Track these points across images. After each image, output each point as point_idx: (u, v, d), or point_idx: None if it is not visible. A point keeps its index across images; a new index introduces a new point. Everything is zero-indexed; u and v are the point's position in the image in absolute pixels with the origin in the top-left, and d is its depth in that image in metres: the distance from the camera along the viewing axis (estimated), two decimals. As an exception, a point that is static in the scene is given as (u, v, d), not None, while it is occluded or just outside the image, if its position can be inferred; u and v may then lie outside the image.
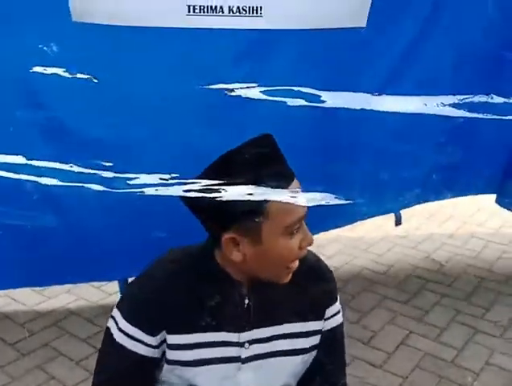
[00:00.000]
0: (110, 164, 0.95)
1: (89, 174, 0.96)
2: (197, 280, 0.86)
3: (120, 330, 0.85)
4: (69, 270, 1.95)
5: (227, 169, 0.80)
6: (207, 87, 1.16)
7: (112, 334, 0.86)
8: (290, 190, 0.79)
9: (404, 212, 2.67)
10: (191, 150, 1.58)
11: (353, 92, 1.09)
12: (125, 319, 0.85)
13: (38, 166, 0.96)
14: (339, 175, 1.82)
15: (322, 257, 1.00)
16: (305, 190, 0.82)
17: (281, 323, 0.90)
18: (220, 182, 0.80)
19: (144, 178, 0.92)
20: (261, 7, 1.42)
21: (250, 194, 0.78)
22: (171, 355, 0.87)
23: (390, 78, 1.78)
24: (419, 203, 2.36)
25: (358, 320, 2.25)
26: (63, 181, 0.96)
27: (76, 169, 0.97)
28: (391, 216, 2.67)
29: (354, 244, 2.89)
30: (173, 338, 0.86)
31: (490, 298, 2.43)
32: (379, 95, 1.17)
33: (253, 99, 1.07)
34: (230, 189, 0.79)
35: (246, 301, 0.88)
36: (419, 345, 2.10)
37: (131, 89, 1.53)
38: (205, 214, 0.82)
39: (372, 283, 2.54)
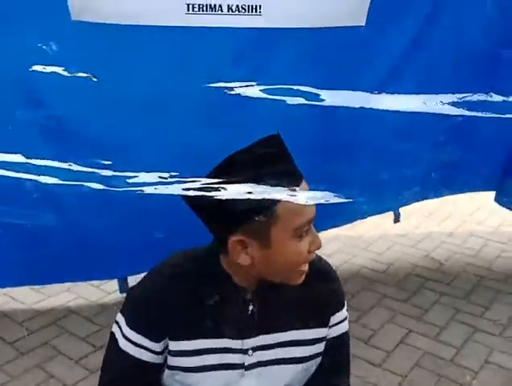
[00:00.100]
0: (109, 162, 0.94)
1: (89, 172, 0.96)
2: (201, 286, 0.84)
3: (124, 336, 0.85)
4: (68, 269, 1.95)
5: (231, 168, 0.78)
6: (206, 85, 1.16)
7: (116, 340, 0.86)
8: (289, 189, 0.77)
9: (403, 211, 2.68)
10: (190, 149, 1.58)
11: (353, 90, 1.09)
12: (129, 326, 0.85)
13: (37, 165, 0.96)
14: (339, 174, 1.82)
15: (321, 256, 0.99)
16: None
17: (285, 330, 0.88)
18: (220, 180, 0.79)
19: (143, 177, 0.92)
20: (260, 6, 1.42)
21: (250, 192, 0.77)
22: (173, 361, 0.86)
23: (389, 77, 1.78)
24: (418, 200, 2.36)
25: (358, 319, 2.25)
26: (62, 180, 0.96)
27: (75, 168, 0.97)
28: (390, 215, 2.68)
29: (353, 243, 2.89)
30: (175, 345, 0.85)
31: (489, 297, 2.43)
32: (378, 93, 1.17)
33: (253, 98, 1.07)
34: (230, 187, 0.78)
35: (250, 308, 0.86)
36: (419, 344, 2.10)
37: (130, 88, 1.53)
38: (211, 216, 0.80)
39: (371, 282, 2.55)
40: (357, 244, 2.90)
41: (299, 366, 0.90)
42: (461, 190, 2.43)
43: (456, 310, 2.34)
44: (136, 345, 0.84)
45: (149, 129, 1.61)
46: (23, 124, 1.52)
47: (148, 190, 0.90)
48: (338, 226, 2.27)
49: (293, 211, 0.77)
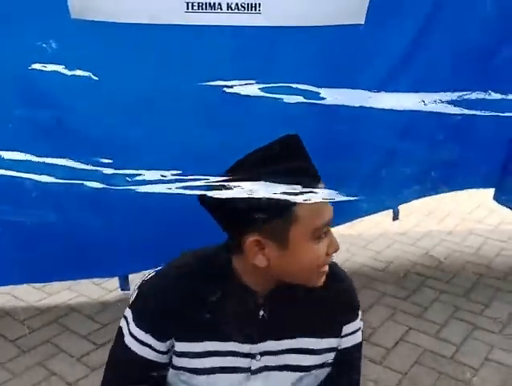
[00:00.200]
0: (110, 161, 0.95)
1: (89, 171, 0.97)
2: (210, 287, 0.82)
3: (130, 332, 0.84)
4: (69, 267, 1.96)
5: (247, 167, 0.77)
6: (205, 84, 1.16)
7: (123, 335, 0.85)
8: (291, 187, 0.75)
9: (403, 209, 2.68)
10: (190, 148, 1.58)
11: (352, 89, 1.09)
12: (135, 323, 0.84)
13: (37, 164, 0.96)
14: (338, 173, 1.82)
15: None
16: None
17: (296, 337, 0.86)
18: (221, 178, 0.78)
19: (145, 176, 0.93)
20: (259, 4, 1.42)
21: (251, 191, 0.77)
22: (178, 361, 0.85)
23: (389, 75, 1.78)
24: (418, 198, 2.37)
25: (357, 316, 2.25)
26: (62, 178, 0.96)
27: (75, 165, 0.97)
28: (390, 213, 2.68)
29: (353, 241, 2.90)
30: (181, 346, 0.84)
31: (489, 295, 2.44)
32: (378, 92, 1.18)
33: (252, 96, 1.07)
34: (231, 185, 0.78)
35: (261, 313, 0.84)
36: (419, 341, 2.11)
37: (130, 86, 1.53)
38: (226, 215, 0.78)
39: (371, 280, 2.55)
40: (356, 242, 2.90)
41: (306, 373, 0.88)
42: (460, 188, 2.44)
43: (456, 307, 2.34)
44: (141, 343, 0.83)
45: (149, 127, 1.61)
46: (23, 122, 1.53)
47: (149, 188, 0.91)
48: (338, 225, 2.27)
49: (312, 212, 0.75)
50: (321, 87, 1.06)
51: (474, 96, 1.19)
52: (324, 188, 0.78)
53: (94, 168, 0.97)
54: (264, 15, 1.43)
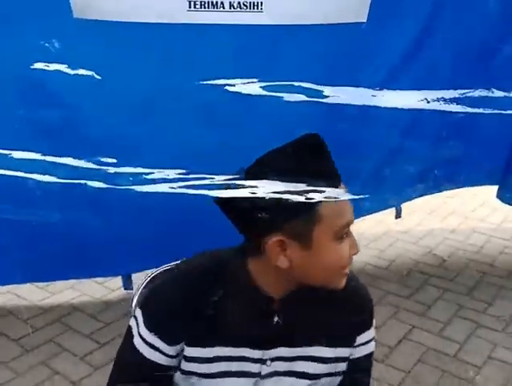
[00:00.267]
0: (114, 160, 0.95)
1: (92, 170, 0.96)
2: (225, 291, 0.80)
3: (139, 334, 0.82)
4: (72, 266, 1.96)
5: (266, 166, 0.75)
6: (208, 82, 1.16)
7: (132, 337, 0.83)
8: (294, 185, 0.74)
9: (406, 208, 2.67)
10: (195, 147, 1.58)
11: (355, 87, 1.08)
12: (146, 326, 0.82)
13: (40, 163, 0.96)
14: (342, 171, 1.82)
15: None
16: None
17: (308, 345, 0.85)
18: (227, 177, 0.78)
19: (148, 175, 0.92)
20: (261, 3, 1.42)
21: (254, 192, 0.75)
22: (188, 366, 0.83)
23: (391, 74, 1.78)
24: (421, 196, 2.37)
25: (360, 315, 2.25)
26: (65, 178, 0.96)
27: (78, 164, 0.97)
28: (392, 212, 2.68)
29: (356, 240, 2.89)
30: (192, 351, 0.81)
31: (492, 293, 2.44)
32: (380, 90, 1.17)
33: (254, 95, 1.07)
34: (237, 184, 0.76)
35: (275, 319, 0.82)
36: (422, 339, 2.10)
37: (132, 85, 1.53)
38: (246, 215, 0.75)
39: (374, 278, 2.55)
40: (359, 240, 2.85)
41: (316, 381, 0.87)
42: (463, 185, 2.44)
43: (459, 306, 2.34)
44: (150, 345, 0.81)
45: (151, 126, 1.61)
46: (26, 121, 1.53)
47: (152, 188, 0.90)
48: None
49: (335, 212, 0.74)
50: (324, 85, 1.05)
51: (477, 93, 1.18)
52: (346, 190, 0.77)
53: (97, 167, 0.96)
54: (266, 14, 1.43)
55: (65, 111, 1.55)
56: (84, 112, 1.57)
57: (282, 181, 0.73)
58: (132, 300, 1.03)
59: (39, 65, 1.19)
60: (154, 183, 0.91)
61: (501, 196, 2.49)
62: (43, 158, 0.94)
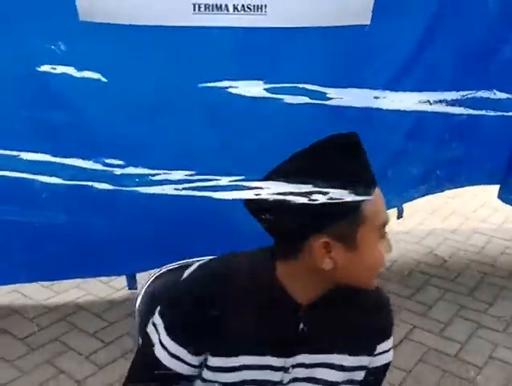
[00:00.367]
0: (120, 162, 0.96)
1: (99, 171, 0.98)
2: (252, 298, 0.78)
3: (161, 343, 0.78)
4: (77, 265, 1.97)
5: (293, 167, 0.74)
6: (212, 84, 1.17)
7: (152, 345, 0.79)
8: (299, 186, 0.73)
9: (407, 208, 2.68)
10: (200, 148, 1.60)
11: (358, 89, 1.10)
12: (168, 333, 0.78)
13: (47, 165, 0.97)
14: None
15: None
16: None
17: (330, 352, 0.83)
18: (234, 178, 0.79)
19: (154, 176, 0.94)
20: (265, 5, 1.43)
21: (259, 193, 0.75)
22: (209, 375, 0.81)
23: (395, 76, 1.78)
24: (423, 196, 2.38)
25: (362, 315, 2.26)
26: (71, 180, 0.97)
27: (85, 166, 0.98)
28: (394, 212, 2.68)
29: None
30: (216, 361, 0.79)
31: (493, 293, 2.44)
32: (383, 92, 1.18)
33: (258, 97, 1.08)
34: (243, 185, 0.77)
35: (301, 326, 0.80)
36: (423, 339, 2.11)
37: (139, 87, 1.54)
38: (290, 218, 0.73)
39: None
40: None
41: None
42: (465, 185, 2.44)
43: (460, 306, 2.35)
44: (172, 356, 0.78)
45: (156, 128, 1.62)
46: (33, 123, 1.54)
47: (157, 189, 0.92)
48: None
49: (376, 212, 0.74)
50: (326, 87, 1.06)
51: (479, 95, 1.20)
52: (381, 194, 0.76)
53: (104, 169, 0.98)
54: (270, 16, 1.44)
55: (71, 113, 1.55)
56: (90, 114, 1.58)
57: (270, 181, 0.73)
58: (136, 299, 1.03)
59: (45, 67, 1.21)
60: (160, 185, 0.92)
61: (502, 197, 2.49)
62: (49, 159, 0.96)
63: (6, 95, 1.50)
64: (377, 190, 0.75)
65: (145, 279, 1.06)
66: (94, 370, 1.90)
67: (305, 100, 1.09)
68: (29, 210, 1.63)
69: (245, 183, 0.79)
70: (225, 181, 0.80)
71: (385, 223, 0.77)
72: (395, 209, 2.68)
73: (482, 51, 1.87)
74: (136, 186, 0.94)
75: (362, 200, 0.73)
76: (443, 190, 2.40)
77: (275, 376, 0.82)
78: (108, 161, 0.99)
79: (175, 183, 0.91)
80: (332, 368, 0.84)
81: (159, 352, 0.78)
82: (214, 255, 0.96)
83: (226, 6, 1.42)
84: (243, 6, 1.43)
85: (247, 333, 0.78)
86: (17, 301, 2.30)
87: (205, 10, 1.42)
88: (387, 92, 1.20)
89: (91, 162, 0.98)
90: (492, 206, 3.25)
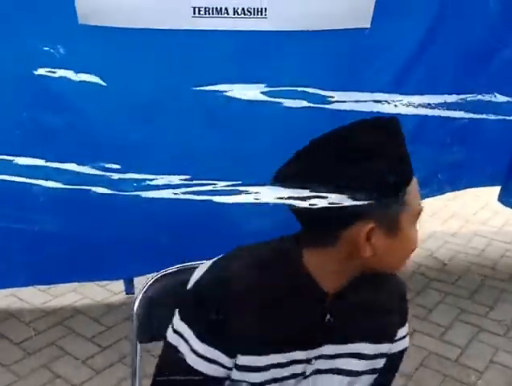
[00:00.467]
0: (118, 166, 0.95)
1: (97, 176, 0.97)
2: (279, 291, 0.75)
3: (194, 351, 0.74)
4: (75, 269, 1.96)
5: (320, 154, 0.71)
6: (210, 88, 1.16)
7: (183, 356, 0.75)
8: (298, 191, 0.72)
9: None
10: (199, 152, 1.59)
11: (359, 92, 1.09)
12: (201, 339, 0.74)
13: (45, 169, 0.96)
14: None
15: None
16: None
17: (354, 342, 0.82)
18: (230, 183, 0.78)
19: (152, 181, 0.93)
20: (265, 9, 1.42)
21: (258, 198, 0.75)
22: (238, 375, 0.78)
23: (395, 79, 1.77)
24: (423, 199, 2.36)
25: (362, 319, 2.25)
26: (69, 184, 0.96)
27: (82, 170, 0.97)
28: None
29: (358, 243, 2.89)
30: (246, 360, 0.76)
31: (494, 297, 2.44)
32: (383, 95, 1.17)
33: (255, 100, 1.07)
34: (240, 190, 0.76)
35: (327, 316, 0.78)
36: (423, 344, 2.10)
37: (137, 91, 1.53)
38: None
39: (375, 282, 2.55)
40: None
41: (356, 379, 0.84)
42: (466, 187, 2.44)
43: (461, 309, 2.34)
44: (209, 361, 0.75)
45: (154, 132, 1.61)
46: (31, 127, 1.53)
47: (155, 193, 0.91)
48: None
49: (414, 197, 0.73)
50: (326, 90, 1.05)
51: (480, 98, 1.19)
52: (417, 186, 0.76)
53: (102, 173, 0.97)
54: (270, 20, 1.44)
55: (70, 116, 1.55)
56: (88, 118, 1.57)
57: (267, 186, 0.71)
58: (134, 303, 1.02)
59: (43, 71, 1.20)
60: (158, 189, 0.91)
61: (502, 200, 2.49)
62: (47, 164, 0.95)
63: (4, 98, 1.49)
64: (414, 178, 0.74)
65: (143, 283, 1.05)
66: (91, 374, 1.89)
67: (304, 103, 1.08)
68: (26, 214, 1.61)
69: (242, 188, 0.78)
70: (223, 185, 0.79)
71: (421, 211, 0.76)
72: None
73: (483, 53, 1.86)
74: (134, 191, 0.93)
75: (406, 185, 0.72)
76: (443, 193, 2.39)
77: (299, 369, 0.79)
78: (106, 165, 0.98)
79: (174, 188, 0.90)
80: (355, 358, 0.83)
81: (193, 360, 0.75)
82: (213, 258, 0.95)
83: (226, 9, 1.41)
84: (243, 9, 1.42)
85: (275, 327, 0.75)
86: (13, 305, 2.29)
87: (205, 13, 1.41)
88: (388, 95, 1.19)
89: (89, 166, 0.97)
90: (492, 208, 3.25)
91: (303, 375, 0.81)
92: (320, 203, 0.72)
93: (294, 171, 0.73)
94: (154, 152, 1.61)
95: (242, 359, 0.76)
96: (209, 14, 1.41)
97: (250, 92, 1.10)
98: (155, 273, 1.06)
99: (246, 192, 0.76)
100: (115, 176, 0.95)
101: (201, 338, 0.74)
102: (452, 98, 1.11)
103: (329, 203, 0.73)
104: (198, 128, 1.63)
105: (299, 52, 1.61)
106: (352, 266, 0.76)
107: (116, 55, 1.49)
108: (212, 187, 0.84)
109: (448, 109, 1.11)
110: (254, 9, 1.42)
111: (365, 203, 0.69)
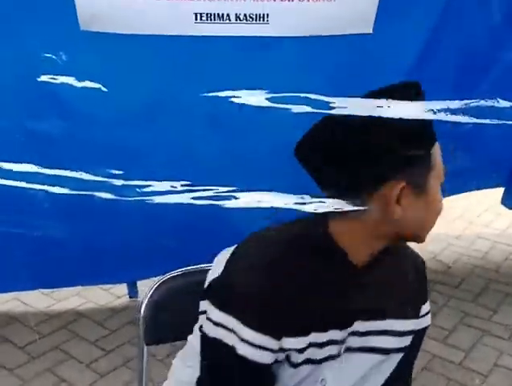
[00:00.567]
0: (120, 172, 0.95)
1: (99, 182, 0.97)
2: (314, 266, 0.74)
3: (244, 341, 0.71)
4: (79, 273, 1.97)
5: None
6: (214, 94, 1.16)
7: (231, 347, 0.72)
8: (297, 196, 0.72)
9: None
10: (201, 158, 1.59)
11: (360, 98, 1.09)
12: (249, 326, 0.71)
13: (47, 175, 0.97)
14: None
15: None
16: (315, 195, 0.80)
17: (383, 318, 0.81)
18: (230, 188, 0.79)
19: (154, 187, 0.93)
20: (267, 14, 1.43)
21: (259, 201, 0.76)
22: (282, 357, 0.76)
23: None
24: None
25: (365, 322, 2.25)
26: (73, 189, 0.97)
27: (85, 177, 0.98)
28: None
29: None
30: (289, 341, 0.74)
31: (498, 300, 2.43)
32: (386, 100, 1.17)
33: (259, 106, 1.07)
34: (240, 195, 0.78)
35: (358, 292, 0.77)
36: (427, 347, 2.09)
37: (138, 97, 1.54)
38: (365, 163, 0.69)
39: (379, 285, 2.54)
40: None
41: (386, 357, 0.83)
42: (469, 190, 2.44)
43: (465, 313, 2.33)
44: (259, 347, 0.72)
45: (157, 138, 1.62)
46: (33, 134, 1.54)
47: (158, 199, 0.91)
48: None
49: (440, 157, 0.74)
50: (328, 96, 1.05)
51: (483, 104, 1.18)
52: (440, 151, 0.76)
53: (104, 179, 0.97)
54: (272, 26, 1.44)
55: (72, 123, 1.56)
56: (91, 124, 1.57)
57: (271, 193, 0.71)
58: (140, 307, 1.03)
59: (46, 78, 1.20)
60: (161, 195, 0.92)
61: (506, 203, 2.48)
62: (47, 171, 0.95)
63: (7, 104, 1.49)
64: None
65: (147, 286, 1.05)
66: (95, 378, 1.90)
67: (308, 109, 1.08)
68: (30, 219, 1.62)
69: (243, 193, 0.78)
70: (223, 191, 0.79)
71: (445, 173, 0.77)
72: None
73: (485, 59, 1.86)
74: (139, 197, 0.94)
75: (433, 145, 0.73)
76: (444, 197, 2.39)
77: (334, 350, 0.78)
78: (108, 171, 0.99)
79: (179, 193, 0.90)
80: (385, 335, 0.82)
81: (243, 349, 0.71)
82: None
83: (228, 15, 1.42)
84: (245, 15, 1.42)
85: (313, 304, 0.74)
86: (17, 308, 2.30)
87: (207, 19, 1.42)
88: (390, 100, 1.19)
89: (91, 172, 0.97)
90: (496, 211, 3.24)
91: (338, 355, 0.79)
92: (320, 209, 0.71)
93: (321, 137, 0.73)
94: (157, 158, 1.61)
95: (287, 341, 0.73)
96: (211, 19, 1.42)
97: (255, 98, 1.10)
98: (161, 276, 1.07)
99: (246, 198, 0.77)
100: (118, 182, 0.95)
101: (248, 324, 0.71)
102: (454, 104, 1.11)
103: (328, 208, 0.72)
104: (202, 134, 1.63)
105: (301, 58, 1.62)
106: (381, 234, 0.74)
107: (118, 61, 1.49)
108: (214, 193, 0.84)
109: (451, 114, 1.10)
110: (256, 15, 1.43)
111: (400, 160, 0.69)
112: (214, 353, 0.75)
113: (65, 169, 0.95)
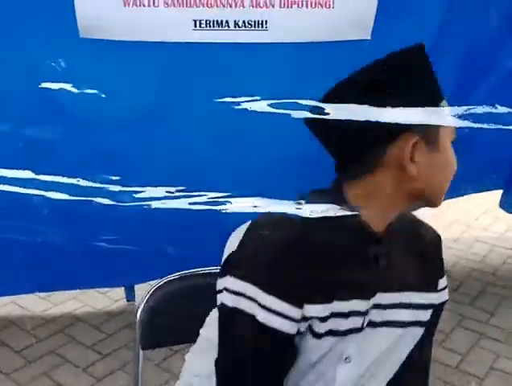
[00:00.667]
0: (118, 178, 0.95)
1: (97, 187, 0.97)
2: (333, 234, 0.72)
3: (264, 307, 0.69)
4: (76, 276, 1.97)
5: (351, 88, 0.74)
6: (214, 100, 1.16)
7: (251, 315, 0.69)
8: (295, 202, 0.74)
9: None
10: (200, 164, 1.59)
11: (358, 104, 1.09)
12: (268, 292, 0.69)
13: (46, 181, 0.97)
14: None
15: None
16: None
17: (402, 290, 0.80)
18: (225, 194, 0.79)
19: (150, 192, 0.93)
20: (266, 21, 1.43)
21: (255, 206, 0.77)
22: (304, 327, 0.73)
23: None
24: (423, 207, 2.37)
25: (363, 325, 2.25)
26: (71, 195, 0.96)
27: (82, 184, 0.98)
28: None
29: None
30: (311, 309, 0.72)
31: (495, 303, 2.43)
32: (384, 106, 1.17)
33: (260, 112, 1.07)
34: (235, 201, 0.78)
35: (381, 263, 0.76)
36: (424, 350, 2.10)
37: (137, 103, 1.54)
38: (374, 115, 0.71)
39: (376, 288, 2.54)
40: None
41: (404, 331, 0.81)
42: (467, 193, 2.44)
43: (462, 316, 2.33)
44: (280, 315, 0.69)
45: (156, 144, 1.62)
46: (32, 140, 1.53)
47: (155, 204, 0.91)
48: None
49: (449, 111, 0.74)
50: (326, 102, 1.06)
51: (481, 109, 1.19)
52: (449, 109, 0.76)
53: (101, 185, 0.97)
54: (271, 32, 1.44)
55: (70, 129, 1.55)
56: (88, 131, 1.57)
57: (269, 199, 0.72)
58: (137, 311, 1.03)
59: (45, 84, 1.20)
60: (159, 200, 0.91)
61: (504, 206, 2.49)
62: (45, 178, 0.95)
63: (6, 111, 1.49)
64: None
65: (144, 290, 1.05)
66: (92, 382, 1.89)
67: (306, 114, 1.08)
68: (28, 224, 1.62)
69: (238, 199, 0.78)
70: (220, 196, 0.79)
71: (454, 129, 0.76)
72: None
73: (485, 64, 1.86)
74: (136, 202, 0.94)
75: (441, 100, 0.73)
76: (444, 199, 2.40)
77: (358, 323, 0.76)
78: (106, 177, 0.99)
79: (175, 198, 0.90)
80: (406, 308, 0.81)
81: (264, 316, 0.69)
82: (214, 266, 0.95)
83: (227, 22, 1.42)
84: (244, 22, 1.43)
85: (334, 271, 0.73)
86: (14, 312, 2.29)
87: (206, 26, 1.42)
88: (388, 106, 1.19)
89: (89, 178, 0.97)
90: (494, 214, 3.24)
91: (361, 329, 0.77)
92: (315, 214, 0.72)
93: (346, 89, 0.77)
94: (155, 164, 1.61)
95: (309, 309, 0.72)
96: (210, 26, 1.42)
97: (256, 104, 1.10)
98: (158, 280, 1.07)
99: (242, 203, 0.76)
100: (116, 188, 0.95)
101: (268, 291, 0.69)
102: (454, 110, 1.11)
103: (328, 213, 0.73)
104: (200, 140, 1.63)
105: (300, 64, 1.62)
106: (397, 195, 0.74)
107: (116, 68, 1.49)
108: (210, 198, 0.84)
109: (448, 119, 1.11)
110: (255, 21, 1.43)
111: (413, 112, 0.69)
112: (234, 324, 0.73)
113: (63, 175, 0.96)
